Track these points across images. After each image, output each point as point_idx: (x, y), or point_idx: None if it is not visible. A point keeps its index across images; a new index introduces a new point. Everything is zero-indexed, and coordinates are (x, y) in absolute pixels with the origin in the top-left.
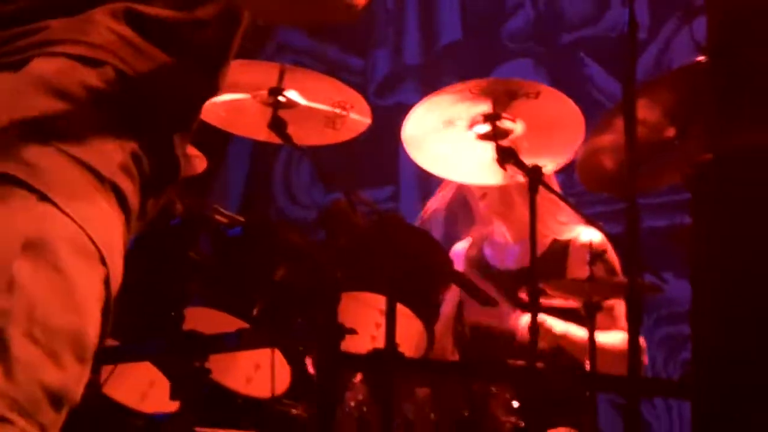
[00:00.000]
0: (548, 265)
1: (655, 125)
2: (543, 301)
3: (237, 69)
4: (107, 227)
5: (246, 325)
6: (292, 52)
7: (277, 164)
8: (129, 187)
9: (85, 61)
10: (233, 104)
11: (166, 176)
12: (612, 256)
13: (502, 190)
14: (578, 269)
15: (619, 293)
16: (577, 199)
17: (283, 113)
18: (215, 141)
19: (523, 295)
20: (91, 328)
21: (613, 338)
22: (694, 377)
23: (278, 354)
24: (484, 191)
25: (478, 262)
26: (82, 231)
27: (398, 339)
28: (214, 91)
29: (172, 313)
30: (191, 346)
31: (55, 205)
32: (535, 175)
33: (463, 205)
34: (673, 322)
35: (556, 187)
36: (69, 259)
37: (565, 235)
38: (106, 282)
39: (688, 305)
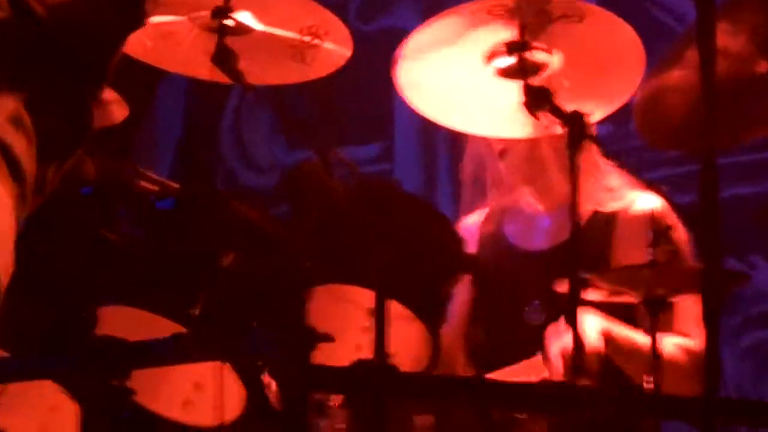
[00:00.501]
0: (587, 245)
1: (741, 57)
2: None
3: None
4: None
5: (183, 330)
6: None
7: (224, 112)
8: (22, 147)
9: None
10: (164, 30)
11: (73, 133)
12: (680, 233)
13: (531, 146)
14: (629, 251)
15: (692, 285)
16: (632, 159)
17: (232, 42)
18: (140, 80)
19: (561, 288)
20: None
21: (675, 346)
22: None
23: (227, 369)
24: (505, 147)
25: (496, 241)
26: None
27: (391, 348)
28: (139, 19)
29: (82, 314)
30: (107, 359)
31: None
32: (577, 125)
33: (478, 166)
34: (765, 325)
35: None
36: None
37: (612, 205)
38: None
39: None
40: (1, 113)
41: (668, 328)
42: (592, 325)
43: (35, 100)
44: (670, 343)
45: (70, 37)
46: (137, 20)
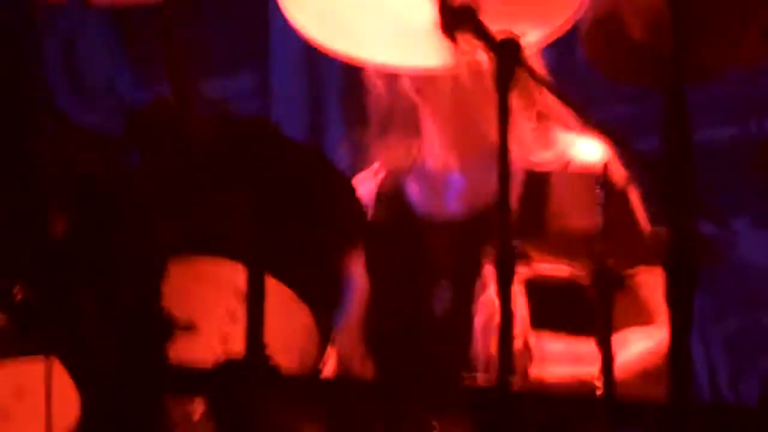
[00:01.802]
0: (519, 210)
1: None
2: (522, 269)
3: None
4: None
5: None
6: None
7: (51, 34)
8: None
9: None
10: None
11: None
12: (632, 192)
13: (449, 80)
14: (571, 213)
15: (654, 256)
16: (579, 94)
17: None
18: None
19: (489, 264)
20: None
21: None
22: None
23: (58, 368)
24: (420, 83)
25: (396, 205)
26: None
27: (270, 340)
28: None
29: None
30: None
31: None
32: (508, 52)
33: (377, 105)
34: (748, 308)
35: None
36: None
37: (545, 156)
38: None
39: None
40: None
41: (641, 319)
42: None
43: None
44: (637, 343)
45: None
46: None
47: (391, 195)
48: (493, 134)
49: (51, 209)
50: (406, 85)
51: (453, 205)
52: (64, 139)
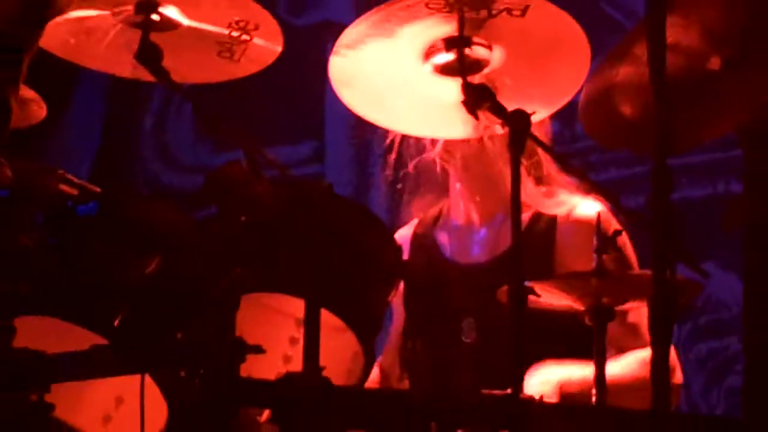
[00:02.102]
0: (529, 252)
1: (693, 52)
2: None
3: None
4: None
5: (103, 341)
6: None
7: (147, 112)
8: None
9: None
10: (85, 25)
11: None
12: (624, 239)
13: (472, 147)
14: (571, 257)
15: (641, 294)
16: (578, 161)
17: (156, 38)
18: (58, 78)
19: (501, 297)
20: None
21: (633, 363)
22: (747, 410)
23: (150, 382)
24: (448, 149)
25: (430, 252)
26: None
27: (323, 360)
28: (57, 8)
29: None
30: (25, 372)
31: None
32: (519, 125)
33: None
34: (716, 334)
35: (547, 140)
36: None
37: (553, 210)
38: None
39: (739, 309)
40: None
41: (633, 344)
42: (548, 380)
43: None
44: (634, 360)
45: None
46: (56, 4)
47: (424, 243)
48: (507, 190)
49: (145, 254)
50: (436, 152)
51: (476, 251)
52: (155, 196)
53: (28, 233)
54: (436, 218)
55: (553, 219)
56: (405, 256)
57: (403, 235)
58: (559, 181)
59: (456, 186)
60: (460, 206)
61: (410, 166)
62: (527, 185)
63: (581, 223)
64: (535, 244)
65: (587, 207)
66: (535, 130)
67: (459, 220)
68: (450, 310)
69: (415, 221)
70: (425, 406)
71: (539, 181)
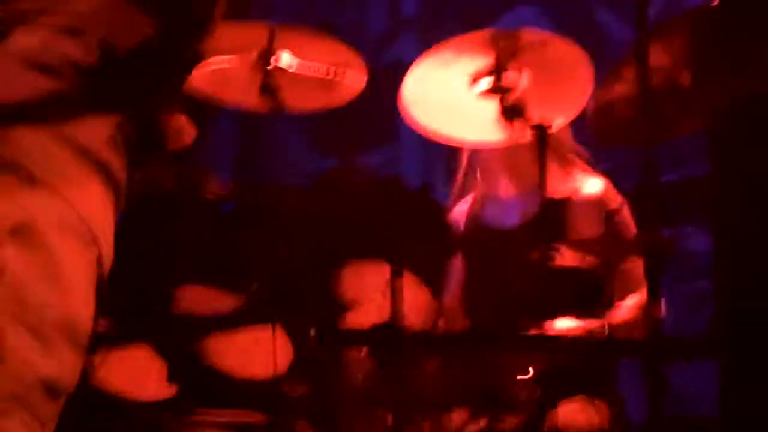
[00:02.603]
0: (546, 223)
1: (669, 70)
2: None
3: (225, 31)
4: (97, 205)
5: (242, 302)
6: (281, 9)
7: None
8: (116, 163)
9: (66, 30)
10: (218, 70)
11: (152, 147)
12: (625, 210)
13: (510, 148)
14: (583, 227)
15: (636, 251)
16: (589, 151)
17: (274, 78)
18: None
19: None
20: (84, 311)
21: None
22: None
23: (280, 330)
24: (492, 150)
25: (477, 222)
26: (72, 211)
27: (406, 308)
28: (201, 55)
29: (164, 292)
30: (187, 327)
31: (43, 186)
32: (540, 132)
33: (468, 165)
34: (692, 276)
35: (570, 139)
36: (59, 241)
37: (566, 188)
38: (99, 263)
39: (710, 259)
40: (101, 136)
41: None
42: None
43: (124, 123)
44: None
45: (147, 72)
46: (199, 53)
47: (476, 216)
48: (535, 176)
49: (273, 236)
50: (484, 152)
51: (512, 219)
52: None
53: (186, 225)
54: (487, 195)
55: (566, 198)
56: (462, 222)
57: (460, 210)
58: (575, 164)
59: (499, 174)
60: (502, 187)
61: (466, 162)
62: (552, 168)
63: (590, 198)
64: (554, 216)
65: (593, 184)
66: (562, 132)
67: (503, 196)
68: (496, 262)
69: (469, 198)
70: (483, 341)
71: (561, 164)
